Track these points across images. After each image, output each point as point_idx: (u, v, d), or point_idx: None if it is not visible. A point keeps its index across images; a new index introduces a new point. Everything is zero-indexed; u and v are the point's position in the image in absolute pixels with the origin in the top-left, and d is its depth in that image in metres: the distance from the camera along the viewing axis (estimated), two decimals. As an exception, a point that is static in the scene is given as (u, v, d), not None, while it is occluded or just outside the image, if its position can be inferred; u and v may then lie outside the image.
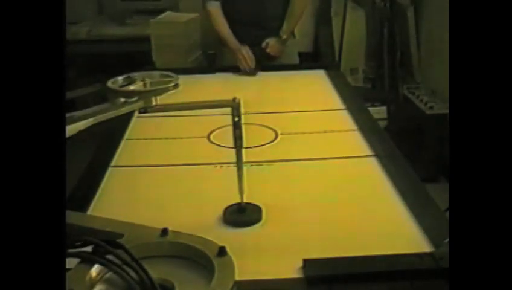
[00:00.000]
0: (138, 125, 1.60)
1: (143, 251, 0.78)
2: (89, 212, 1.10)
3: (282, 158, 1.36)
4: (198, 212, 1.09)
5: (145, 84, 0.99)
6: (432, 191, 1.17)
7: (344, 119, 1.63)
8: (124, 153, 1.44)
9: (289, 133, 1.52)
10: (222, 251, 0.76)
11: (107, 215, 0.93)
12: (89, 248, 0.75)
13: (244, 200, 1.06)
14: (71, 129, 0.87)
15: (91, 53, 3.21)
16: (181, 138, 1.51)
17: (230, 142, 1.03)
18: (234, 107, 0.98)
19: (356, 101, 1.87)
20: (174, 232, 0.82)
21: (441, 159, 2.62)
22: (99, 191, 1.21)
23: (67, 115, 0.85)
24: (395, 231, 1.03)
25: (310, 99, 1.87)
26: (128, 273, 0.72)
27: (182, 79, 1.01)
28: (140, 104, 0.97)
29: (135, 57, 2.64)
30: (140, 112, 0.98)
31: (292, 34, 2.42)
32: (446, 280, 0.83)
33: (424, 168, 1.93)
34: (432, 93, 2.97)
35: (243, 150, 1.03)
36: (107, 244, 0.75)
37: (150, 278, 0.71)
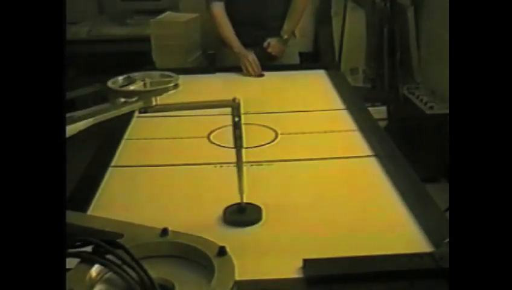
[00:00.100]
0: (138, 125, 1.60)
1: (143, 251, 0.78)
2: (89, 212, 1.10)
3: (282, 158, 1.36)
4: (198, 212, 1.09)
5: (145, 84, 0.99)
6: (431, 191, 1.17)
7: (344, 119, 1.63)
8: (124, 153, 1.44)
9: (289, 133, 1.52)
10: (222, 251, 0.76)
11: (107, 215, 0.93)
12: (89, 248, 0.75)
13: (244, 200, 1.06)
14: (71, 129, 0.87)
15: (91, 53, 3.21)
16: (181, 138, 1.51)
17: (230, 142, 1.03)
18: (234, 107, 0.98)
19: (356, 101, 1.87)
20: (174, 232, 0.82)
21: (441, 159, 2.62)
22: (99, 191, 1.21)
23: (67, 115, 0.85)
24: (395, 231, 1.03)
25: (310, 99, 1.87)
26: (128, 273, 0.72)
27: (182, 79, 1.01)
28: (140, 104, 0.97)
29: (135, 57, 2.64)
30: (140, 112, 0.99)
31: (292, 34, 2.42)
32: (446, 280, 0.83)
33: (424, 168, 1.92)
34: (432, 93, 2.97)
35: (243, 150, 1.03)
36: (107, 244, 0.75)
37: (150, 278, 0.71)
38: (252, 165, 1.26)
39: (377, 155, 1.35)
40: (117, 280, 0.73)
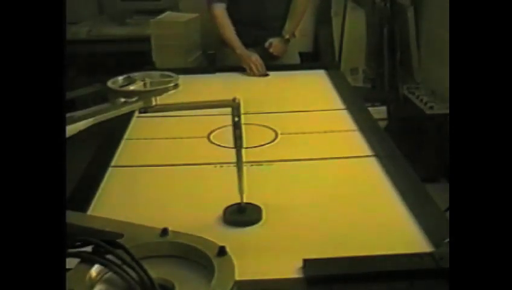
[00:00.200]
0: (138, 125, 1.60)
1: (143, 251, 0.78)
2: (89, 212, 1.10)
3: (282, 158, 1.36)
4: (198, 212, 1.09)
5: (145, 84, 0.99)
6: (431, 191, 1.17)
7: (344, 119, 1.63)
8: (124, 153, 1.44)
9: (289, 133, 1.52)
10: (222, 251, 0.76)
11: (107, 215, 0.93)
12: (89, 248, 0.75)
13: (244, 200, 1.06)
14: (71, 129, 0.87)
15: (91, 53, 3.21)
16: (181, 138, 1.51)
17: (230, 142, 1.03)
18: (234, 107, 0.98)
19: (356, 101, 1.87)
20: (174, 232, 0.82)
21: (441, 159, 2.62)
22: (99, 191, 1.21)
23: (67, 115, 0.85)
24: (395, 231, 1.03)
25: (310, 99, 1.87)
26: (128, 273, 0.72)
27: (182, 79, 1.01)
28: (140, 104, 0.97)
29: (135, 57, 2.64)
30: (140, 112, 0.99)
31: (293, 33, 2.42)
32: (446, 280, 0.83)
33: (424, 168, 1.92)
34: (432, 93, 2.97)
35: (243, 150, 1.03)
36: (107, 244, 0.75)
37: (150, 278, 0.71)
38: (252, 165, 1.26)
39: (377, 155, 1.35)
40: (117, 280, 0.73)
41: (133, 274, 0.72)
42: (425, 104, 2.86)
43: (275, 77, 2.18)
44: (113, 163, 1.36)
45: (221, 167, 1.29)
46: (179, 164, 1.34)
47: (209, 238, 0.80)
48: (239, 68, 2.21)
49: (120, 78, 0.99)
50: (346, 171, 1.31)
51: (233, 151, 1.03)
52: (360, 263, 0.90)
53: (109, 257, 0.74)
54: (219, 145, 1.43)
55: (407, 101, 3.08)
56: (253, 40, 2.32)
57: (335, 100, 1.84)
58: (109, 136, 1.55)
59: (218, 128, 1.51)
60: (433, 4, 3.07)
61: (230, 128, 1.01)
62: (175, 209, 1.12)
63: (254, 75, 2.17)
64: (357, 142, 1.45)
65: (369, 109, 1.95)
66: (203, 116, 1.45)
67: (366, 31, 3.38)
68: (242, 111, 0.99)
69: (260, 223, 1.05)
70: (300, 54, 2.57)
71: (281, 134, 1.51)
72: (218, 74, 2.22)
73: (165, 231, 0.82)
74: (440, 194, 1.20)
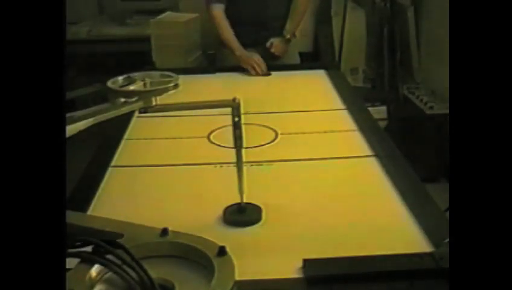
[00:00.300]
0: (138, 125, 1.60)
1: (143, 251, 0.78)
2: (89, 212, 1.10)
3: (282, 158, 1.36)
4: (198, 212, 1.09)
5: (145, 84, 0.99)
6: (431, 191, 1.17)
7: (344, 119, 1.63)
8: (124, 153, 1.44)
9: (289, 133, 1.52)
10: (222, 251, 0.76)
11: (107, 215, 0.93)
12: (89, 248, 0.75)
13: (244, 200, 1.06)
14: (71, 129, 0.87)
15: (91, 53, 3.21)
16: (181, 138, 1.51)
17: (230, 142, 1.03)
18: (234, 107, 0.98)
19: (356, 101, 1.87)
20: (174, 232, 0.82)
21: (441, 159, 2.62)
22: (99, 191, 1.21)
23: (67, 115, 0.85)
24: (395, 231, 1.03)
25: (310, 99, 1.87)
26: (128, 273, 0.72)
27: (182, 79, 1.01)
28: (140, 104, 0.97)
29: (135, 57, 2.64)
30: (140, 112, 0.99)
31: (293, 33, 2.43)
32: (446, 280, 0.83)
33: (424, 168, 1.92)
34: (432, 93, 2.97)
35: (243, 150, 1.03)
36: (107, 244, 0.75)
37: (150, 278, 0.71)
38: (252, 165, 1.26)
39: (377, 155, 1.35)
40: (117, 280, 0.73)
41: (133, 274, 0.72)
42: (425, 104, 2.86)
43: (275, 77, 2.18)
44: (113, 163, 1.36)
45: (221, 167, 1.29)
46: (179, 164, 1.34)
47: (209, 238, 0.79)
48: (239, 68, 2.21)
49: (120, 78, 0.99)
50: (346, 171, 1.31)
51: (233, 151, 1.03)
52: (360, 263, 0.90)
53: (109, 257, 0.74)
54: (219, 145, 1.43)
55: (407, 101, 3.08)
56: (254, 40, 2.32)
57: (335, 100, 1.84)
58: (109, 136, 1.55)
59: (218, 128, 1.51)
60: (433, 4, 3.07)
61: (230, 128, 1.01)
62: (175, 209, 1.12)
63: (257, 75, 2.17)
64: (357, 142, 1.45)
65: (369, 109, 1.95)
66: (203, 116, 1.45)
67: (366, 31, 3.38)
68: (242, 111, 0.99)
69: (260, 223, 1.05)
70: (301, 54, 2.57)
71: (281, 134, 1.51)
72: (218, 74, 2.22)
73: (165, 231, 0.82)
74: (440, 194, 1.20)
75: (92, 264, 0.74)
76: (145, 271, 0.72)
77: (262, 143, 1.44)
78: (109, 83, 0.97)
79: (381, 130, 1.66)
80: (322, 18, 3.49)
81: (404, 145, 1.70)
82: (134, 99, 0.96)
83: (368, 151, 1.39)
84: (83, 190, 1.21)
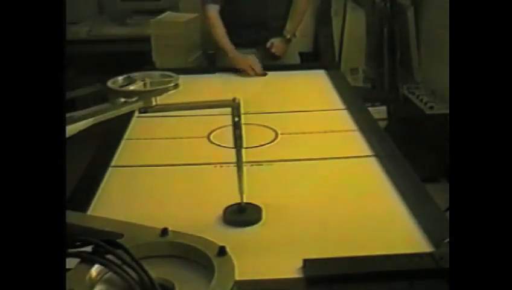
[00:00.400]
0: (138, 125, 1.60)
1: (143, 251, 0.78)
2: (89, 212, 1.10)
3: (282, 158, 1.36)
4: (198, 212, 1.09)
5: (145, 84, 0.99)
6: (431, 191, 1.17)
7: (344, 119, 1.63)
8: (124, 153, 1.44)
9: (289, 133, 1.52)
10: (222, 251, 0.76)
11: (107, 215, 0.93)
12: (89, 248, 0.75)
13: (244, 200, 1.06)
14: (71, 129, 0.87)
15: (91, 53, 3.21)
16: (181, 138, 1.51)
17: (230, 142, 1.03)
18: (234, 107, 0.98)
19: (356, 101, 1.87)
20: (174, 232, 0.82)
21: (441, 159, 2.62)
22: (99, 191, 1.21)
23: (67, 115, 0.85)
24: (395, 231, 1.03)
25: (310, 99, 1.87)
26: (128, 273, 0.72)
27: (182, 79, 1.01)
28: (140, 104, 0.97)
29: (135, 57, 2.63)
30: (140, 112, 0.99)
31: (294, 33, 2.43)
32: (446, 280, 0.83)
33: (424, 168, 1.93)
34: (432, 93, 2.97)
35: (243, 150, 1.03)
36: (107, 244, 0.75)
37: (150, 278, 0.71)
38: (252, 165, 1.26)
39: (377, 155, 1.35)
40: (117, 280, 0.73)
41: (133, 274, 0.72)
42: (425, 104, 2.86)
43: (275, 77, 2.18)
44: (113, 163, 1.36)
45: (221, 167, 1.29)
46: (179, 164, 1.34)
47: (209, 238, 0.79)
48: (237, 69, 2.21)
49: (120, 78, 0.99)
50: (346, 171, 1.31)
51: (233, 151, 1.03)
52: (360, 263, 0.90)
53: (109, 257, 0.74)
54: (219, 145, 1.43)
55: (407, 101, 3.08)
56: (254, 40, 2.32)
57: (335, 100, 1.84)
58: (109, 136, 1.55)
59: (218, 128, 1.51)
60: (433, 4, 3.07)
61: (230, 128, 1.01)
62: (175, 209, 1.12)
63: (255, 75, 2.17)
64: (357, 142, 1.45)
65: (369, 109, 1.95)
66: (203, 116, 1.45)
67: (366, 31, 3.38)
68: (242, 111, 0.99)
69: (260, 223, 1.05)
70: (301, 54, 2.57)
71: (281, 134, 1.51)
72: (218, 74, 2.22)
73: (165, 231, 0.82)
74: (440, 194, 1.20)
75: (92, 264, 0.74)
76: (145, 271, 0.72)
77: (262, 143, 1.44)
78: (109, 83, 0.97)
79: (381, 130, 1.66)
80: (322, 18, 3.49)
81: (404, 145, 1.69)
82: (134, 99, 0.96)
83: (368, 151, 1.39)
84: (83, 190, 1.21)
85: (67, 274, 0.69)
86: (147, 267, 0.72)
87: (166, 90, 0.98)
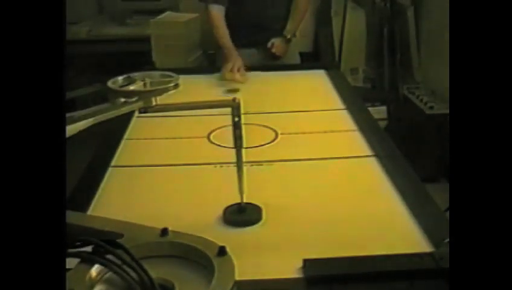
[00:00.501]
0: (138, 125, 1.60)
1: (143, 251, 0.78)
2: (89, 212, 1.10)
3: (282, 158, 1.36)
4: (198, 212, 1.09)
5: (145, 84, 0.99)
6: (431, 191, 1.17)
7: (344, 119, 1.63)
8: (124, 153, 1.44)
9: (289, 133, 1.52)
10: (222, 251, 0.76)
11: (107, 215, 0.93)
12: (89, 248, 0.75)
13: (244, 200, 1.06)
14: (71, 129, 0.87)
15: (91, 53, 3.21)
16: (181, 138, 1.51)
17: (230, 142, 1.03)
18: (234, 107, 0.98)
19: (356, 101, 1.87)
20: (174, 232, 0.82)
21: (441, 159, 2.62)
22: (99, 191, 1.21)
23: (67, 115, 0.85)
24: (395, 231, 1.03)
25: (310, 99, 1.87)
26: (128, 273, 0.72)
27: (182, 79, 1.01)
28: (140, 104, 0.97)
29: (135, 57, 2.64)
30: (140, 112, 0.98)
31: (294, 33, 2.43)
32: (446, 280, 0.83)
33: (424, 168, 1.93)
34: (432, 93, 2.97)
35: (243, 150, 1.03)
36: (107, 244, 0.75)
37: (150, 278, 0.71)
38: (252, 165, 1.26)
39: (377, 155, 1.35)
40: (117, 280, 0.73)
41: (133, 274, 0.72)
42: (425, 104, 2.86)
43: (275, 77, 2.18)
44: (113, 163, 1.36)
45: (221, 167, 1.29)
46: (179, 164, 1.34)
47: (209, 238, 0.79)
48: (222, 64, 2.19)
49: (120, 78, 0.99)
50: (346, 171, 1.31)
51: (233, 151, 1.03)
52: (360, 263, 0.90)
53: (109, 257, 0.74)
54: (219, 145, 1.43)
55: (407, 101, 3.08)
56: (254, 40, 2.32)
57: (335, 100, 1.84)
58: (109, 136, 1.55)
59: (218, 128, 1.51)
60: (433, 4, 3.07)
61: (230, 128, 1.01)
62: (175, 209, 1.12)
63: (230, 78, 2.10)
64: (357, 142, 1.45)
65: (369, 109, 1.95)
66: (203, 116, 1.45)
67: (366, 31, 3.38)
68: (242, 111, 0.99)
69: (260, 223, 1.05)
70: (301, 54, 2.58)
71: (281, 134, 1.51)
72: (218, 74, 2.22)
73: (165, 231, 0.82)
74: (440, 194, 1.20)
75: (92, 264, 0.74)
76: (145, 271, 0.72)
77: (262, 143, 1.44)
78: (109, 83, 0.97)
79: (381, 130, 1.66)
80: (322, 18, 3.49)
81: (404, 145, 1.70)
82: (134, 99, 0.96)
83: (368, 151, 1.39)
84: (83, 190, 1.21)
85: (67, 274, 0.69)
86: (147, 267, 0.72)
87: (166, 90, 0.98)
